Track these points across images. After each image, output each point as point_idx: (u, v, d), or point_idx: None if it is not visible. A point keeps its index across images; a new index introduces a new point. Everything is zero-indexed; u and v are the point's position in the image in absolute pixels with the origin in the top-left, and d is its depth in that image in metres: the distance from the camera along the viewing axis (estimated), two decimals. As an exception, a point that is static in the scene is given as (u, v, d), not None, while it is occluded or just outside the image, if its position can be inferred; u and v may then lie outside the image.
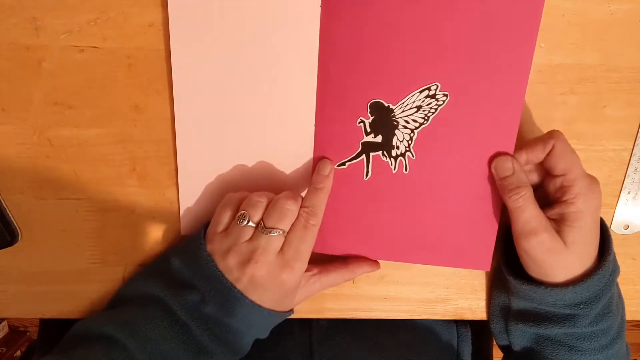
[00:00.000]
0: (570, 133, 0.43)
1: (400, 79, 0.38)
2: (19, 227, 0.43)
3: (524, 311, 0.43)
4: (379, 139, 0.40)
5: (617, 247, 0.47)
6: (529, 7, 0.36)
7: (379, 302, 0.47)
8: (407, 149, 0.40)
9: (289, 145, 0.41)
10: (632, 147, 0.44)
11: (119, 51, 0.39)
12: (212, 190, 0.42)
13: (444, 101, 0.38)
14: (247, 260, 0.37)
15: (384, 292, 0.47)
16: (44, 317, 0.46)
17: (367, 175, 0.41)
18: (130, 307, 0.41)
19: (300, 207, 0.39)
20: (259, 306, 0.38)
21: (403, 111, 0.39)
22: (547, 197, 0.40)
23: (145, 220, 0.44)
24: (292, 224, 0.38)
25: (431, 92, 0.38)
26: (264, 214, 0.38)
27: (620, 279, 0.43)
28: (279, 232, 0.37)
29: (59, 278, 0.45)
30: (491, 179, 0.40)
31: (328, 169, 0.41)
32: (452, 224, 0.42)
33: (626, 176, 0.45)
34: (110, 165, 0.42)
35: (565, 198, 0.38)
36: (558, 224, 0.38)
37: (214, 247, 0.38)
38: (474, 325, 0.57)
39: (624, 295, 0.44)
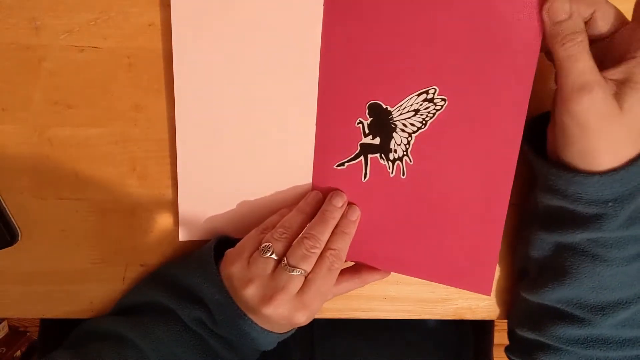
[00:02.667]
0: (571, 133, 0.43)
1: (399, 81, 0.38)
2: (19, 227, 0.43)
3: (549, 212, 0.38)
4: (377, 141, 0.40)
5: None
6: (532, 12, 0.34)
7: (378, 302, 0.47)
8: (405, 153, 0.40)
9: (290, 145, 0.41)
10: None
11: (119, 51, 0.39)
12: (211, 191, 0.42)
13: (442, 106, 0.38)
14: (266, 299, 0.37)
15: (384, 292, 0.47)
16: (44, 317, 0.46)
17: (365, 177, 0.41)
18: (141, 312, 0.42)
19: (327, 247, 0.38)
20: (270, 332, 0.39)
21: (401, 114, 0.39)
22: (610, 54, 0.34)
23: (145, 220, 0.44)
24: (316, 264, 0.37)
25: (429, 96, 0.38)
26: (288, 247, 0.38)
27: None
28: (301, 272, 0.37)
29: (59, 278, 0.45)
30: (492, 192, 0.39)
31: (356, 215, 0.41)
32: (450, 238, 0.41)
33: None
34: (110, 165, 0.42)
35: (637, 54, 0.31)
36: (619, 86, 0.32)
37: (234, 271, 0.38)
38: (474, 325, 0.57)
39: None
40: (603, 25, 0.34)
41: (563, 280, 0.38)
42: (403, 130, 0.39)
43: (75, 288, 0.45)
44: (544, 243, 0.39)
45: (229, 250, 0.40)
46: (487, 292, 0.41)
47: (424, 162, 0.39)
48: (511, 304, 0.46)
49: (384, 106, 0.39)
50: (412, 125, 0.39)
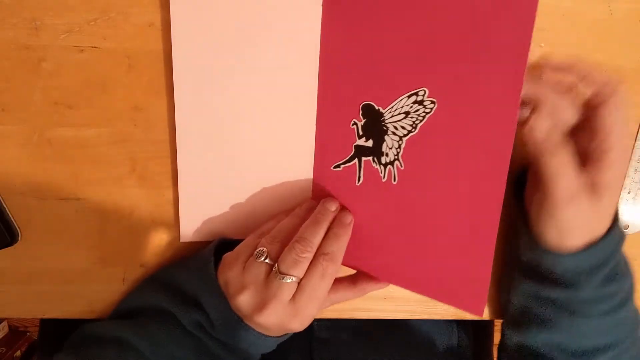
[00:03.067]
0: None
1: (390, 82, 0.37)
2: (19, 227, 0.43)
3: (530, 266, 0.40)
4: (370, 143, 0.39)
5: (617, 247, 0.47)
6: (522, 12, 0.32)
7: (378, 302, 0.47)
8: (396, 157, 0.38)
9: (290, 146, 0.41)
10: (632, 147, 0.44)
11: (118, 51, 0.39)
12: (212, 192, 0.42)
13: (431, 109, 0.36)
14: (258, 307, 0.36)
15: (384, 292, 0.46)
16: (44, 317, 0.46)
17: (359, 180, 0.40)
18: (141, 314, 0.42)
19: (319, 252, 0.37)
20: (267, 336, 0.39)
21: (392, 116, 0.38)
22: (580, 138, 0.35)
23: (145, 220, 0.44)
24: (308, 269, 0.36)
25: (419, 98, 0.36)
26: (282, 251, 0.37)
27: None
28: (292, 279, 0.36)
29: (59, 278, 0.45)
30: (483, 204, 0.36)
31: (349, 219, 0.40)
32: (440, 252, 0.39)
33: (626, 176, 0.45)
34: (110, 166, 0.42)
35: (600, 163, 0.34)
36: (589, 186, 0.35)
37: (229, 276, 0.38)
38: (475, 325, 0.57)
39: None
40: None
41: (543, 327, 0.40)
42: (394, 134, 0.38)
43: (75, 288, 0.45)
44: (525, 289, 0.41)
45: (226, 254, 0.40)
46: (479, 313, 0.39)
47: (414, 167, 0.38)
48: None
49: (376, 107, 0.38)
50: (403, 128, 0.38)
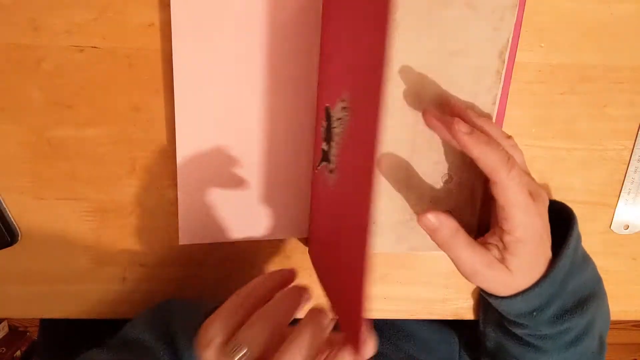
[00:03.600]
0: (570, 133, 0.44)
1: (335, 85, 0.35)
2: (19, 227, 0.43)
3: (495, 310, 0.43)
4: (326, 147, 0.37)
5: (617, 247, 0.47)
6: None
7: (379, 302, 0.47)
8: (336, 165, 0.35)
9: (290, 147, 0.41)
10: (632, 146, 0.44)
11: (118, 51, 0.39)
12: (211, 193, 0.42)
13: (347, 115, 0.32)
14: None
15: (384, 292, 0.47)
16: (44, 317, 0.46)
17: (325, 184, 0.38)
18: (136, 347, 0.41)
19: None
20: None
21: (335, 120, 0.35)
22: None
23: (144, 220, 0.44)
24: None
25: (344, 104, 0.33)
26: (266, 351, 0.30)
27: (620, 279, 0.42)
28: None
29: (59, 278, 0.45)
30: (358, 219, 0.28)
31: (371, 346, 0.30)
32: (344, 275, 0.32)
33: (626, 176, 0.45)
34: (109, 165, 0.42)
35: (504, 227, 0.35)
36: (501, 251, 0.37)
37: (207, 358, 0.30)
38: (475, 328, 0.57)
39: (623, 295, 0.44)
40: None
41: None
42: (335, 140, 0.35)
43: (75, 288, 0.45)
44: (495, 330, 0.45)
45: (205, 324, 0.32)
46: (358, 355, 0.29)
47: (342, 176, 0.34)
48: None
49: (330, 111, 0.36)
50: (338, 135, 0.34)
